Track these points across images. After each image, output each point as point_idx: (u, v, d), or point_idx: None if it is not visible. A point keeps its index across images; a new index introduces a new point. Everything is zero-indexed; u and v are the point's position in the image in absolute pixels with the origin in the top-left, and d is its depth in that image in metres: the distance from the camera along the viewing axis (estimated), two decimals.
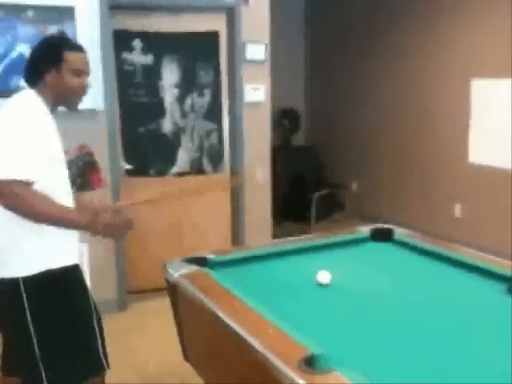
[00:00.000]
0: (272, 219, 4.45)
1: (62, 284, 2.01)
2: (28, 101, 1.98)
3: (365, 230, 2.79)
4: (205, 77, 4.11)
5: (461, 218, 5.09)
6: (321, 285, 2.12)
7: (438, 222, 5.25)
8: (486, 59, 4.69)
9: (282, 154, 5.92)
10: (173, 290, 2.22)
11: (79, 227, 1.98)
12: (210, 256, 2.40)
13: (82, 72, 2.07)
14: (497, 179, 4.71)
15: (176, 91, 4.05)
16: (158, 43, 3.93)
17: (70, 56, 2.03)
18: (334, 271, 2.15)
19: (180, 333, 2.34)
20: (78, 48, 2.09)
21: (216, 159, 4.24)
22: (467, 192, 5.03)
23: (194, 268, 2.22)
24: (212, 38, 4.05)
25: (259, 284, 2.17)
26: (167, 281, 2.24)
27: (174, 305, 2.29)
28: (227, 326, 1.74)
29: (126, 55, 3.88)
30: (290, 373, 1.40)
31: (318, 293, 2.07)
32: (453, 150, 5.12)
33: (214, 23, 4.05)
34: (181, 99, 4.07)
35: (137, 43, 3.88)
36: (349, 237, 2.74)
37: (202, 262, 2.31)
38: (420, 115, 5.45)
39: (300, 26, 6.90)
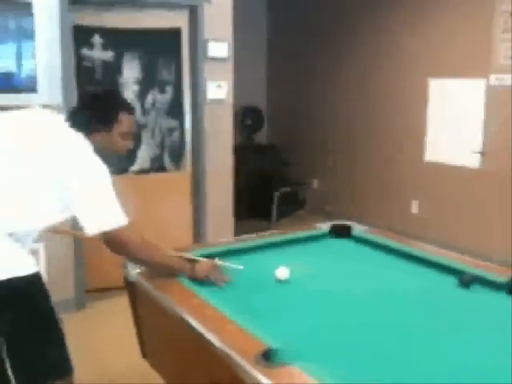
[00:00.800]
0: (234, 217, 4.47)
1: (25, 291, 1.95)
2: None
3: (324, 226, 2.84)
4: (166, 74, 4.08)
5: (417, 214, 5.23)
6: (280, 281, 2.14)
7: (395, 218, 5.37)
8: (444, 59, 4.82)
9: (244, 152, 5.93)
10: (131, 289, 2.21)
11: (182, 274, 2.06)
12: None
13: (131, 135, 2.04)
14: (451, 176, 4.85)
15: (137, 88, 4.01)
16: (119, 39, 3.89)
17: (124, 118, 1.98)
18: (293, 267, 2.18)
19: (138, 331, 2.33)
20: (132, 110, 2.05)
21: (177, 156, 4.22)
22: (424, 189, 5.16)
23: None
24: (174, 34, 4.03)
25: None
26: (126, 279, 2.22)
27: (133, 303, 2.28)
28: (185, 323, 1.74)
29: (85, 51, 3.82)
30: (248, 367, 1.42)
31: (277, 289, 2.10)
32: (410, 149, 5.24)
33: (176, 20, 4.03)
34: (142, 96, 4.04)
35: (97, 39, 3.83)
36: (308, 233, 2.78)
37: None
38: (379, 114, 5.56)
39: (262, 25, 6.93)
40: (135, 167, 4.12)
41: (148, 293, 2.04)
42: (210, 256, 2.28)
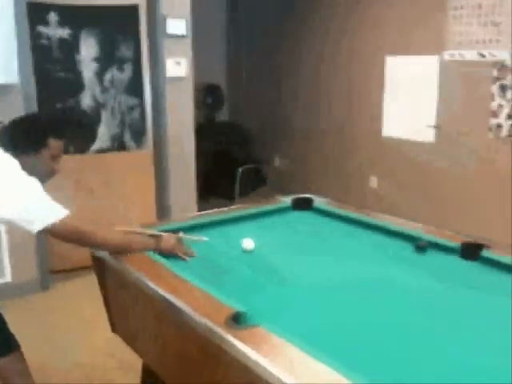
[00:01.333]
0: (197, 195, 4.49)
1: None
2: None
3: (286, 199, 2.91)
4: (125, 51, 4.04)
5: (376, 189, 5.37)
6: (245, 251, 2.21)
7: (355, 193, 5.50)
8: (399, 37, 4.92)
9: (205, 130, 5.94)
10: (99, 265, 2.23)
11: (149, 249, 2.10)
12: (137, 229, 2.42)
13: (59, 158, 2.06)
14: (408, 151, 5.00)
15: (95, 66, 3.96)
16: (75, 16, 3.81)
17: (53, 143, 2.01)
18: (257, 239, 2.25)
19: (107, 306, 2.35)
20: (61, 135, 2.06)
21: (138, 135, 4.21)
22: (382, 164, 5.30)
23: None
24: (131, 11, 3.98)
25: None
26: (93, 255, 2.24)
27: (101, 279, 2.30)
28: (155, 294, 1.79)
29: (41, 29, 3.74)
30: (218, 329, 1.48)
31: (243, 259, 2.16)
32: (368, 125, 5.36)
33: None
34: (100, 74, 3.99)
35: (52, 16, 3.75)
36: (271, 207, 2.85)
37: None
38: (338, 91, 5.64)
39: (222, 1, 6.88)
40: (95, 146, 4.08)
41: (115, 267, 2.06)
42: (175, 231, 2.32)
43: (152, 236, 2.18)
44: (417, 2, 4.73)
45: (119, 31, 3.99)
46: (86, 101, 3.99)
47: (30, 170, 1.95)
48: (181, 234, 2.22)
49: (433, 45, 4.62)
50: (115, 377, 2.79)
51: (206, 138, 5.82)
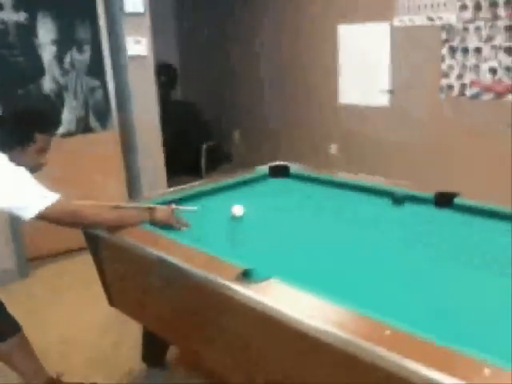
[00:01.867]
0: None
1: None
2: None
3: (263, 168, 3.02)
4: (83, 32, 3.99)
5: (337, 155, 5.55)
6: (235, 218, 2.31)
7: (317, 161, 5.66)
8: (350, 6, 5.05)
9: (163, 110, 5.93)
10: (94, 241, 2.28)
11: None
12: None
13: (46, 150, 2.09)
14: (365, 116, 5.19)
15: (54, 49, 3.90)
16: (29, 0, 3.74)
17: (40, 138, 2.04)
18: (244, 206, 2.35)
19: (104, 282, 2.41)
20: (49, 131, 2.10)
21: (103, 116, 4.19)
22: (341, 130, 5.48)
23: None
24: None
25: None
26: (87, 234, 2.29)
27: (96, 257, 2.35)
28: (161, 261, 1.87)
29: None
30: (231, 285, 1.59)
31: (235, 224, 2.27)
32: (325, 93, 5.50)
33: None
34: (60, 56, 3.93)
35: (6, 0, 3.66)
36: (249, 176, 2.95)
37: None
38: (293, 61, 5.75)
39: None
40: (61, 130, 4.04)
41: (114, 241, 2.12)
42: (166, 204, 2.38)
43: (145, 209, 2.25)
44: None
45: (76, 12, 3.93)
46: (48, 85, 3.93)
47: (17, 164, 2.00)
48: (173, 206, 2.30)
49: (383, 11, 4.77)
50: (106, 354, 2.84)
51: (164, 118, 5.82)
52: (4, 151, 2.00)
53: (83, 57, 4.03)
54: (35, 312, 3.26)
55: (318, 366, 1.38)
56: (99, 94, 4.14)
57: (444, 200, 2.28)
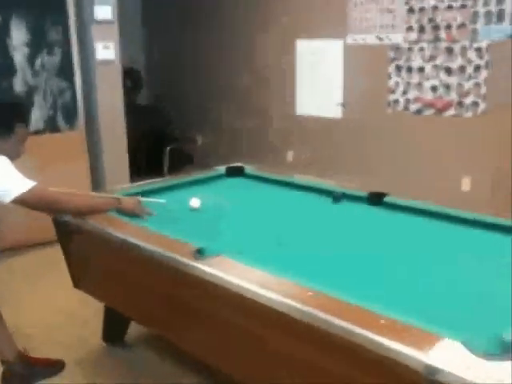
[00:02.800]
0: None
1: None
2: None
3: (221, 168, 3.31)
4: (54, 36, 4.21)
5: (292, 162, 5.89)
6: (193, 209, 2.59)
7: (274, 166, 5.98)
8: (308, 23, 5.41)
9: (127, 113, 6.14)
10: (63, 228, 2.52)
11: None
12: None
13: (25, 140, 2.32)
14: (320, 127, 5.54)
15: (26, 50, 4.10)
16: (5, 3, 3.93)
17: (20, 130, 2.27)
18: (202, 199, 2.63)
19: (70, 266, 2.64)
20: (27, 122, 2.35)
21: (71, 116, 4.40)
22: (297, 140, 5.82)
23: None
24: None
25: None
26: (56, 221, 2.52)
27: (64, 242, 2.59)
28: (123, 241, 2.13)
29: None
30: (186, 260, 1.86)
31: (193, 214, 2.55)
32: (283, 104, 5.84)
33: None
34: (31, 58, 4.14)
35: None
36: (208, 175, 3.24)
37: None
38: (255, 72, 6.07)
39: None
40: (29, 128, 4.22)
41: (83, 227, 2.37)
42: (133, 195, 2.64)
43: (114, 198, 2.50)
44: None
45: (48, 17, 4.15)
46: (19, 84, 4.13)
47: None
48: (140, 197, 2.55)
49: (337, 30, 5.15)
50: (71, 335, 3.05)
51: (129, 121, 6.04)
52: None
53: (53, 59, 4.24)
54: (4, 298, 3.43)
55: (259, 323, 1.67)
56: (68, 95, 4.36)
57: (376, 198, 2.61)
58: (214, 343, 1.91)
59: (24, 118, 2.36)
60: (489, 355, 1.26)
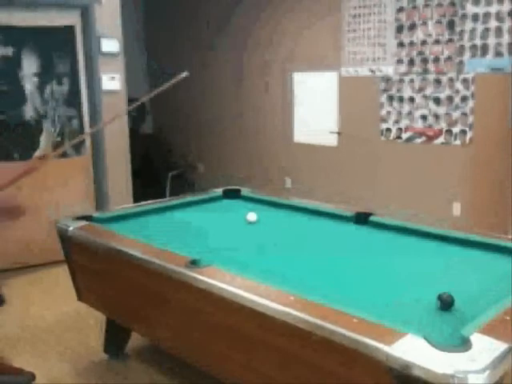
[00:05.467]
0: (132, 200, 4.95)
1: None
2: None
3: (218, 190, 3.50)
4: (63, 67, 4.46)
5: (290, 188, 6.09)
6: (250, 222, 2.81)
7: (273, 192, 6.17)
8: (304, 57, 5.68)
9: (132, 142, 6.38)
10: (68, 242, 2.70)
11: None
12: (95, 214, 2.92)
13: None
14: (316, 154, 5.75)
15: (36, 80, 4.36)
16: (18, 36, 4.21)
17: None
18: (198, 217, 2.82)
19: (74, 279, 2.81)
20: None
21: (78, 143, 4.61)
22: (295, 166, 6.03)
23: (84, 223, 2.73)
24: (68, 31, 4.42)
25: (139, 230, 2.72)
26: (61, 235, 2.71)
27: (69, 255, 2.76)
28: (124, 255, 2.30)
29: None
30: (181, 269, 2.03)
31: (191, 228, 2.73)
32: (282, 132, 6.07)
33: (70, 18, 4.43)
34: (41, 87, 4.39)
35: None
36: (206, 196, 3.43)
37: (88, 218, 2.82)
38: (254, 103, 6.32)
39: (139, 16, 7.39)
40: (37, 153, 4.45)
41: (87, 240, 2.55)
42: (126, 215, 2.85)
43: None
44: (317, 28, 5.51)
45: (58, 49, 4.41)
46: (29, 112, 4.37)
47: None
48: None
49: (332, 62, 5.41)
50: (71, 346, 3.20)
51: (132, 149, 6.27)
52: None
53: (62, 89, 4.49)
54: (7, 312, 3.60)
55: (244, 322, 1.83)
56: (75, 122, 4.59)
57: (361, 218, 2.79)
58: (220, 356, 2.06)
59: None
60: (446, 347, 1.42)
